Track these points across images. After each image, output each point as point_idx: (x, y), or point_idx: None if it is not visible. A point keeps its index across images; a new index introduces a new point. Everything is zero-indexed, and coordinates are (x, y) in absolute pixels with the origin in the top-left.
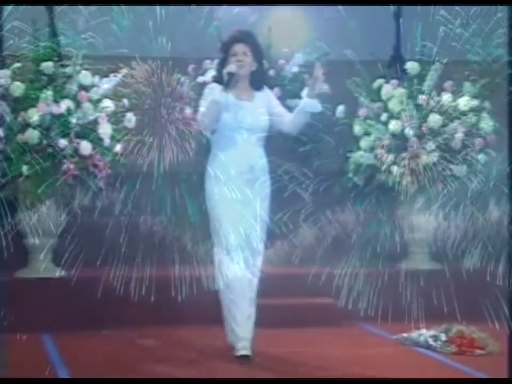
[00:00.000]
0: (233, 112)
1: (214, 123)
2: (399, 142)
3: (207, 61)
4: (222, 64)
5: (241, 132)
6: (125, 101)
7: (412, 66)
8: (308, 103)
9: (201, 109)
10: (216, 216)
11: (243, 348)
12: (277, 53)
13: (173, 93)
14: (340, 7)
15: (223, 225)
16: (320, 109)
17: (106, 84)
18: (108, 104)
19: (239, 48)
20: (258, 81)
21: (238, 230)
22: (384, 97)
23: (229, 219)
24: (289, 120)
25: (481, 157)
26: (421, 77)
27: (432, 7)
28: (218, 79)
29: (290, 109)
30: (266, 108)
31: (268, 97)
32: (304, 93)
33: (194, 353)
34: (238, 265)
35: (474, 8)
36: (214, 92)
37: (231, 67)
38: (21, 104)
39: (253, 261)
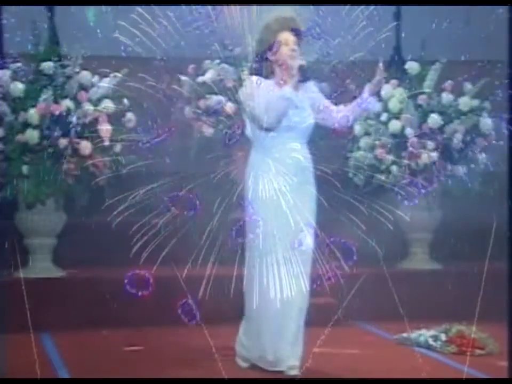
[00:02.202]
0: None
1: (281, 121)
2: (399, 142)
3: (207, 61)
4: (264, 53)
5: (290, 129)
6: (125, 101)
7: (411, 66)
8: (371, 99)
9: (260, 106)
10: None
11: (242, 358)
12: None
13: (173, 93)
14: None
15: (267, 236)
16: (378, 108)
17: (106, 84)
18: (108, 104)
19: (290, 37)
20: (304, 72)
21: (283, 241)
22: (384, 97)
23: (275, 228)
24: (344, 115)
25: (481, 157)
26: (421, 77)
27: (432, 7)
28: (259, 71)
29: None
30: (311, 101)
31: (311, 89)
32: (366, 89)
33: (195, 353)
34: (274, 285)
35: (475, 8)
36: (289, 88)
37: (300, 60)
38: (21, 104)
39: (297, 280)
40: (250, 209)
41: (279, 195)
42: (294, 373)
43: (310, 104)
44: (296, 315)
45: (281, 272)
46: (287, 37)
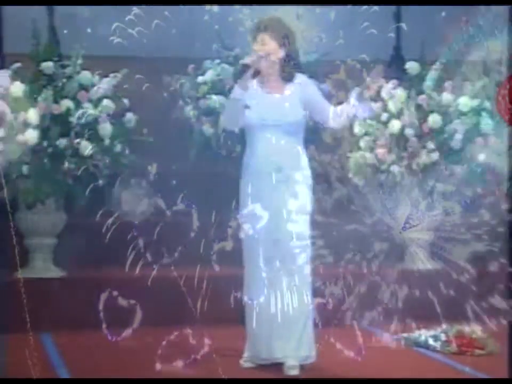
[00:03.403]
0: (259, 108)
1: (235, 122)
2: (399, 142)
3: (207, 61)
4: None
5: (267, 128)
6: (125, 101)
7: (411, 66)
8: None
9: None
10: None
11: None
12: None
13: (173, 93)
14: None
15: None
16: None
17: (106, 84)
18: (108, 104)
19: (260, 38)
20: (286, 70)
21: (267, 243)
22: (384, 97)
23: (260, 231)
24: (336, 115)
25: (481, 157)
26: (421, 77)
27: (432, 7)
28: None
29: None
30: (301, 99)
31: (302, 87)
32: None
33: (195, 353)
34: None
35: (475, 8)
36: (238, 88)
37: (246, 59)
38: (21, 104)
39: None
40: (239, 216)
41: (262, 195)
42: (294, 373)
43: (302, 101)
44: (297, 318)
45: (275, 277)
46: (259, 38)
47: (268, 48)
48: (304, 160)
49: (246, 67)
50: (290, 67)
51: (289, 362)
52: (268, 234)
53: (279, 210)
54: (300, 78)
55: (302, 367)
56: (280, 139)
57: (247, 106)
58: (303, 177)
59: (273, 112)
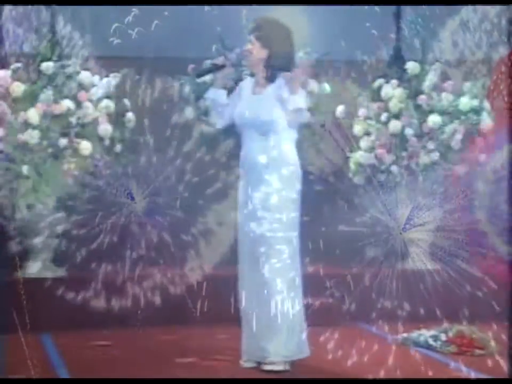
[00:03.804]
0: (241, 107)
1: (215, 120)
2: (399, 142)
3: (207, 61)
4: None
5: (247, 128)
6: (125, 101)
7: (412, 66)
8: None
9: None
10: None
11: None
12: None
13: (173, 93)
14: (341, 7)
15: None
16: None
17: (106, 84)
18: (108, 104)
19: (249, 38)
20: (269, 70)
21: (246, 245)
22: (384, 97)
23: (240, 230)
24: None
25: (481, 157)
26: (421, 77)
27: (432, 6)
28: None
29: None
30: (279, 98)
31: (281, 87)
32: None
33: (195, 353)
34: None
35: (474, 8)
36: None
37: (217, 59)
38: (21, 104)
39: (262, 294)
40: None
41: (242, 194)
42: (270, 368)
43: (279, 100)
44: (289, 317)
45: (263, 277)
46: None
47: (255, 48)
48: (289, 159)
49: (216, 67)
50: (274, 67)
51: (271, 358)
52: (251, 233)
53: (259, 208)
54: (281, 79)
55: (293, 364)
56: (259, 138)
57: (221, 105)
58: (283, 176)
59: (249, 111)
